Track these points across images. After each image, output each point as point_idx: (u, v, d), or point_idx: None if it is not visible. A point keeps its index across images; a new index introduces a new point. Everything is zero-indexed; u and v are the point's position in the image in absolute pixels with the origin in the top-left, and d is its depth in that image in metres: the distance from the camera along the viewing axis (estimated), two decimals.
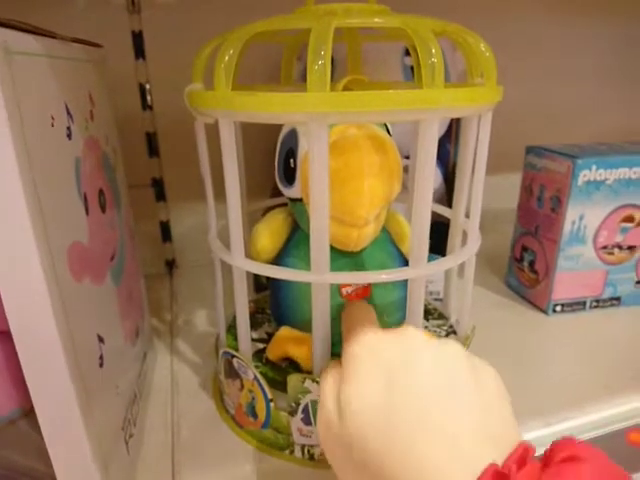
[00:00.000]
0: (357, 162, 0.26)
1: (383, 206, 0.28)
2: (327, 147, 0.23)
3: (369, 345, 0.22)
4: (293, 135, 0.28)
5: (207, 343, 0.42)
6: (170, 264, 0.61)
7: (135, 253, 0.37)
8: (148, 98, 0.54)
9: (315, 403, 0.27)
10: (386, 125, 0.30)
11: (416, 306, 0.26)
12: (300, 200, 0.29)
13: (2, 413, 0.26)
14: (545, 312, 0.48)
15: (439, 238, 0.37)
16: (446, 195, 0.55)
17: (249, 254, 0.33)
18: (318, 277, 0.25)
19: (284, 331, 0.32)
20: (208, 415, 0.34)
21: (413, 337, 0.22)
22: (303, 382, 0.27)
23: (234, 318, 0.39)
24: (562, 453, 0.19)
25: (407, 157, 0.42)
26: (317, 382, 0.27)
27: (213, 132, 0.27)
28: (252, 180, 0.40)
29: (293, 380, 0.27)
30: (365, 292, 0.30)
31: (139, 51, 0.52)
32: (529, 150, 0.49)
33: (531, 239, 0.49)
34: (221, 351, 0.32)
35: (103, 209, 0.29)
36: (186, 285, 0.57)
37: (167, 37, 0.52)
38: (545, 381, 0.37)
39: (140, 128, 0.56)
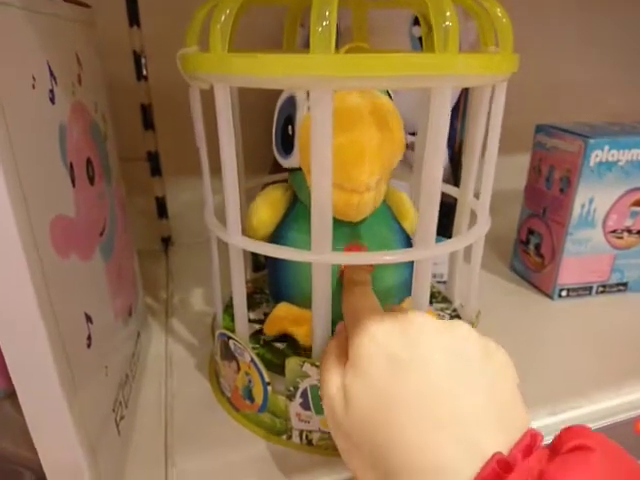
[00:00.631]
0: (359, 129, 0.24)
1: (384, 173, 0.26)
2: (332, 114, 0.21)
3: (375, 334, 0.21)
4: (291, 102, 0.26)
5: (203, 323, 0.41)
6: (166, 241, 0.60)
7: (128, 228, 0.36)
8: (143, 68, 0.52)
9: (315, 388, 0.26)
10: (388, 93, 0.28)
11: (422, 289, 0.25)
12: (299, 170, 0.27)
13: None
14: (550, 297, 0.46)
15: (444, 219, 0.36)
16: (452, 175, 0.53)
17: (246, 230, 0.31)
18: (319, 257, 0.24)
19: (283, 307, 0.31)
20: (204, 397, 0.33)
21: (421, 324, 0.21)
22: (302, 366, 0.26)
23: (231, 298, 0.38)
24: (571, 442, 0.18)
25: (412, 134, 0.41)
26: (316, 366, 0.26)
27: (209, 101, 0.25)
28: (251, 155, 0.38)
29: (291, 363, 0.26)
30: (368, 270, 0.28)
31: (133, 17, 0.49)
32: (539, 129, 0.47)
33: (538, 222, 0.47)
34: (217, 332, 0.31)
35: (91, 181, 0.27)
36: (182, 263, 0.55)
37: (163, 2, 0.49)
38: (550, 368, 0.36)
39: (135, 99, 0.53)
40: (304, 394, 0.27)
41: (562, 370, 0.36)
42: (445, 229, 0.35)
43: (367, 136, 0.25)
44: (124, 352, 0.31)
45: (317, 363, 0.26)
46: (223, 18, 0.22)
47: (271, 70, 0.21)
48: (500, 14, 0.25)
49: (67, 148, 0.23)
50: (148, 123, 0.54)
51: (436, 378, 0.19)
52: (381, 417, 0.19)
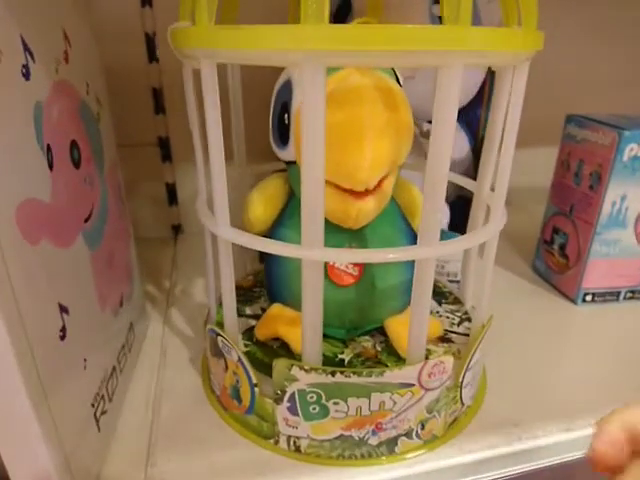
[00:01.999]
0: (358, 116, 0.22)
1: (389, 171, 0.24)
2: (323, 94, 0.19)
3: None
4: (288, 86, 0.24)
5: (203, 315, 0.39)
6: (176, 228, 0.59)
7: (124, 215, 0.34)
8: (156, 50, 0.50)
9: (303, 393, 0.24)
10: (396, 74, 0.25)
11: (423, 293, 0.23)
12: (294, 163, 0.25)
13: None
14: (574, 301, 0.43)
15: (464, 216, 0.33)
16: (473, 168, 0.50)
17: (243, 223, 0.29)
18: (309, 252, 0.21)
19: (275, 309, 0.29)
20: (194, 393, 0.31)
21: None
22: (290, 369, 0.24)
23: None
24: None
25: (430, 122, 0.38)
26: (305, 370, 0.24)
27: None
28: (258, 140, 0.36)
29: (279, 365, 0.24)
30: (359, 274, 0.26)
31: None
32: (569, 119, 0.43)
33: (564, 220, 0.44)
34: (207, 327, 0.29)
35: (77, 164, 0.26)
36: (189, 252, 0.54)
37: None
38: (570, 379, 0.33)
39: (146, 83, 0.52)
40: (292, 398, 0.25)
41: (583, 382, 0.33)
42: (466, 226, 0.33)
43: (368, 114, 0.23)
44: (111, 343, 0.30)
45: (306, 367, 0.24)
46: None
47: (257, 43, 0.19)
48: None
49: (43, 129, 0.22)
50: (159, 107, 0.53)
51: None
52: None
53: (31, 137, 0.21)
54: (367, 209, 0.25)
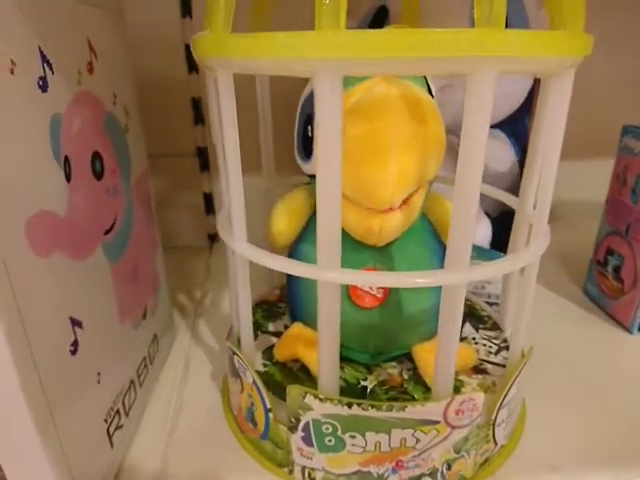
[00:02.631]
0: (383, 129, 0.21)
1: (415, 188, 0.22)
2: (339, 105, 0.17)
3: None
4: (312, 98, 0.23)
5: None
6: (212, 237, 0.59)
7: (153, 225, 0.34)
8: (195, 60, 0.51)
9: (317, 423, 0.23)
10: (427, 84, 0.23)
11: (451, 322, 0.21)
12: None
13: None
14: (629, 330, 0.39)
15: (509, 232, 0.31)
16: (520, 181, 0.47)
17: (267, 238, 0.28)
18: (324, 273, 0.20)
19: (295, 328, 0.28)
20: (212, 412, 0.30)
21: None
22: (304, 397, 0.22)
23: (256, 305, 0.36)
24: None
25: None
26: (320, 399, 0.22)
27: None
28: (288, 152, 0.35)
29: (292, 392, 0.23)
30: (384, 296, 0.25)
31: (186, 8, 0.48)
32: (626, 130, 0.39)
33: (619, 240, 0.40)
34: (226, 344, 0.28)
35: (99, 175, 0.25)
36: (224, 261, 0.54)
37: None
38: (620, 421, 0.30)
39: (185, 93, 0.53)
40: (306, 428, 0.23)
41: (635, 425, 0.29)
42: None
43: (393, 126, 0.21)
44: (130, 356, 0.29)
45: (321, 396, 0.22)
46: None
47: (270, 51, 0.17)
48: None
49: (61, 140, 0.22)
50: (198, 118, 0.54)
51: None
52: None
53: (46, 149, 0.21)
54: (392, 224, 0.23)
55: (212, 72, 0.24)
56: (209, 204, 0.58)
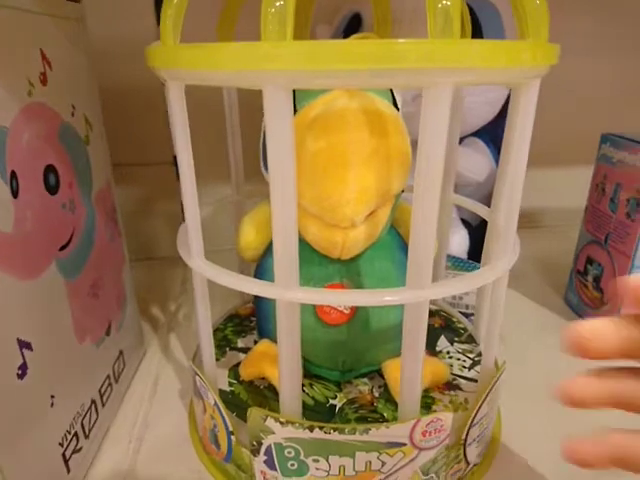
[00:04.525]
0: (342, 144, 0.20)
1: (379, 203, 0.21)
2: (289, 120, 0.16)
3: None
4: None
5: None
6: None
7: (117, 238, 0.33)
8: None
9: (280, 446, 0.22)
10: (393, 96, 0.23)
11: (414, 342, 0.20)
12: None
13: None
14: None
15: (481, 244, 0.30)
16: None
17: (236, 249, 0.28)
18: (283, 292, 0.19)
19: (262, 346, 0.27)
20: (178, 432, 0.29)
21: None
22: (265, 420, 0.21)
23: (227, 319, 0.35)
24: None
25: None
26: (281, 422, 0.21)
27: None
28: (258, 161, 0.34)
29: (253, 415, 0.22)
30: (351, 313, 0.24)
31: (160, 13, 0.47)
32: (605, 139, 0.39)
33: (599, 250, 0.40)
34: (189, 363, 0.27)
35: (53, 190, 0.24)
36: None
37: None
38: (600, 429, 0.29)
39: (160, 100, 0.51)
40: (268, 451, 0.22)
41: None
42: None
43: (353, 141, 0.20)
44: (91, 376, 0.28)
45: (282, 419, 0.21)
46: (175, 1, 0.19)
47: (219, 63, 0.17)
48: None
49: (7, 155, 0.21)
50: None
51: None
52: None
53: None
54: (355, 238, 0.22)
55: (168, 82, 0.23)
56: None
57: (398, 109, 0.23)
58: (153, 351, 0.38)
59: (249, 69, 0.16)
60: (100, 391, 0.29)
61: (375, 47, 0.15)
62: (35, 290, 0.22)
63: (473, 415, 0.24)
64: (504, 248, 0.23)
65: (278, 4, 0.15)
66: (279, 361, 0.21)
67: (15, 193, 0.21)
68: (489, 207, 0.29)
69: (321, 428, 0.21)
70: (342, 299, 0.20)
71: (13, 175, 0.21)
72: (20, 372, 0.21)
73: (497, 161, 0.45)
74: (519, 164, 0.21)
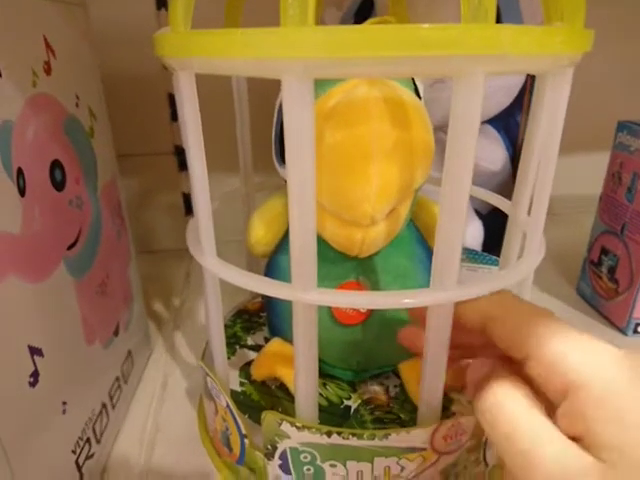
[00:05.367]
0: (364, 136, 0.19)
1: (400, 199, 0.20)
2: (311, 112, 0.15)
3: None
4: None
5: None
6: None
7: (124, 234, 0.32)
8: None
9: (296, 451, 0.21)
10: (415, 84, 0.22)
11: (437, 345, 0.19)
12: None
13: None
14: (623, 332, 0.38)
15: (502, 231, 0.29)
16: (512, 180, 0.45)
17: (247, 245, 0.27)
18: (301, 295, 0.18)
19: (274, 345, 0.26)
20: (189, 433, 0.29)
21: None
22: (280, 424, 0.21)
23: (236, 315, 0.34)
24: None
25: None
26: (297, 427, 0.20)
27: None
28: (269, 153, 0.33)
29: (268, 419, 0.21)
30: (368, 312, 0.23)
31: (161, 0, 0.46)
32: (621, 126, 0.38)
33: (614, 240, 0.39)
34: (199, 362, 0.26)
35: (60, 186, 0.23)
36: None
37: None
38: None
39: (161, 89, 0.50)
40: (283, 456, 0.22)
41: None
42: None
43: (374, 133, 0.19)
44: (101, 378, 0.27)
45: (298, 424, 0.20)
46: None
47: (234, 51, 0.16)
48: None
49: (13, 151, 0.20)
50: (176, 114, 0.51)
51: None
52: None
53: None
54: (375, 235, 0.22)
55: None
56: (189, 204, 0.56)
57: (420, 97, 0.22)
58: (160, 349, 0.37)
59: (268, 56, 0.15)
60: (110, 394, 0.28)
61: (402, 32, 0.14)
62: (44, 292, 0.21)
63: None
64: (533, 242, 0.22)
65: None
66: (295, 364, 0.20)
67: (22, 191, 0.20)
68: (502, 196, 0.28)
69: (339, 433, 0.20)
70: (362, 301, 0.19)
71: (20, 172, 0.20)
72: (32, 380, 0.20)
73: (508, 149, 0.45)
74: (550, 155, 0.20)
